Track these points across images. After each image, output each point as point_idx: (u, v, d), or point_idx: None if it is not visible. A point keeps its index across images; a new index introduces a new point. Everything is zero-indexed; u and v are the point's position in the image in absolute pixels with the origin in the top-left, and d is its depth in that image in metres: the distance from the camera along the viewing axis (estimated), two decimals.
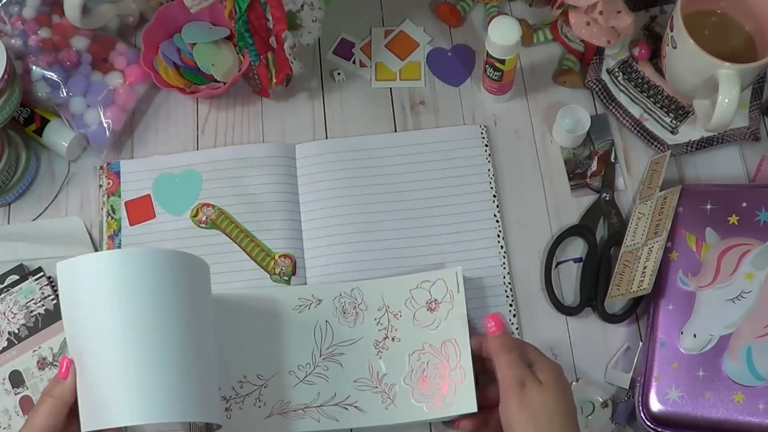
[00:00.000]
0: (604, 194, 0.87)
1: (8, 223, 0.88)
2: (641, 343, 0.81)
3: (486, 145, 0.90)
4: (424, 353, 0.77)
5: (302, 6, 0.85)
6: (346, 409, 0.76)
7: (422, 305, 0.79)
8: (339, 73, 0.94)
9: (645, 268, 0.79)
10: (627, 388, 0.80)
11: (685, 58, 0.82)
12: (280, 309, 0.80)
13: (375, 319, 0.80)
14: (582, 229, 0.86)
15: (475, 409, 0.73)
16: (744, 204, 0.80)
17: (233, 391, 0.77)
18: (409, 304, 0.80)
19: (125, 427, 0.68)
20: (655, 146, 0.89)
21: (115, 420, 0.65)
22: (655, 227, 0.81)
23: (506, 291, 0.84)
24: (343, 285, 0.81)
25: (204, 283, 0.73)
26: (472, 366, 0.75)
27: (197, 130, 0.92)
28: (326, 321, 0.80)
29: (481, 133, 0.90)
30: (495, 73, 0.87)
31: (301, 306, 0.80)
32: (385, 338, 0.79)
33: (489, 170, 0.88)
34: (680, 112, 0.89)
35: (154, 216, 0.87)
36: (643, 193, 0.86)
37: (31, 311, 0.81)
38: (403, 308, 0.80)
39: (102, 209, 0.87)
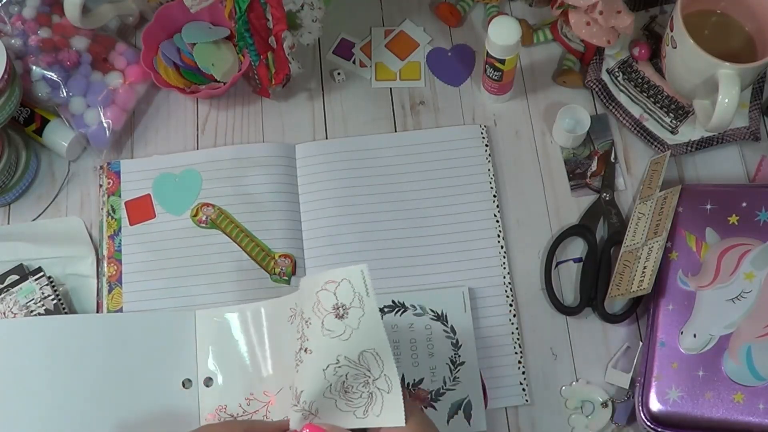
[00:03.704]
0: (604, 194, 0.87)
1: (8, 223, 0.88)
2: (641, 343, 0.81)
3: (486, 145, 0.90)
4: (340, 366, 0.65)
5: (302, 6, 0.85)
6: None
7: (329, 311, 0.66)
8: (339, 73, 0.94)
9: (645, 268, 0.79)
10: (627, 388, 0.80)
11: (685, 58, 0.82)
12: (277, 321, 0.78)
13: (295, 325, 0.69)
14: (582, 229, 0.86)
15: (402, 423, 0.64)
16: (744, 204, 0.80)
17: (240, 408, 0.77)
18: (317, 309, 0.66)
19: None
20: (655, 146, 0.89)
21: None
22: (655, 227, 0.81)
23: (506, 291, 0.84)
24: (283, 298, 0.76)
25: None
26: (397, 375, 0.65)
27: (197, 130, 0.92)
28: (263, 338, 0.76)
29: (481, 133, 0.90)
30: (495, 73, 0.87)
31: (291, 316, 0.75)
32: (300, 349, 0.67)
33: (489, 170, 0.88)
34: (680, 112, 0.89)
35: (155, 216, 0.87)
36: (643, 193, 0.86)
37: (31, 311, 0.81)
38: (312, 314, 0.67)
39: (102, 209, 0.87)
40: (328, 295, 0.66)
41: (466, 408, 0.79)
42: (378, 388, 0.66)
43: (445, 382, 0.80)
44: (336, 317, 0.66)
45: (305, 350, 0.67)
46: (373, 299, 0.66)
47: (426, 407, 0.78)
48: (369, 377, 0.66)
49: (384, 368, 0.66)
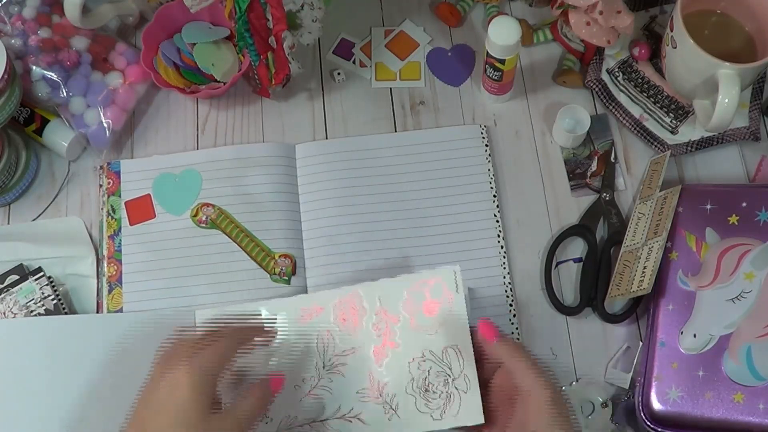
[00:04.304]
0: (604, 194, 0.87)
1: (8, 223, 0.88)
2: (641, 343, 0.81)
3: (486, 145, 0.90)
4: (425, 361, 0.73)
5: (302, 6, 0.85)
6: (350, 422, 0.73)
7: (419, 308, 0.74)
8: (339, 73, 0.94)
9: (645, 268, 0.79)
10: (627, 388, 0.80)
11: (685, 58, 0.82)
12: (283, 321, 0.78)
13: (373, 323, 0.75)
14: (582, 229, 0.86)
15: (481, 421, 0.69)
16: (744, 204, 0.80)
17: None
18: (406, 307, 0.75)
19: None
20: (655, 146, 0.89)
21: None
22: (655, 227, 0.81)
23: (506, 291, 0.84)
24: (341, 290, 0.78)
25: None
26: (476, 374, 0.71)
27: (197, 130, 0.92)
28: (327, 330, 0.76)
29: (481, 133, 0.90)
30: (495, 73, 0.87)
31: (302, 316, 0.77)
32: (384, 345, 0.74)
33: (489, 170, 0.88)
34: (680, 112, 0.89)
35: (155, 216, 0.87)
36: (643, 193, 0.86)
37: (31, 311, 0.81)
38: (401, 312, 0.75)
39: (102, 209, 0.87)
40: (420, 294, 0.74)
41: None
42: (456, 389, 0.71)
43: None
44: (426, 313, 0.74)
45: (391, 344, 0.74)
46: (462, 296, 0.73)
47: None
48: (449, 376, 0.72)
49: (464, 367, 0.71)
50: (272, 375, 0.71)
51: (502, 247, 0.85)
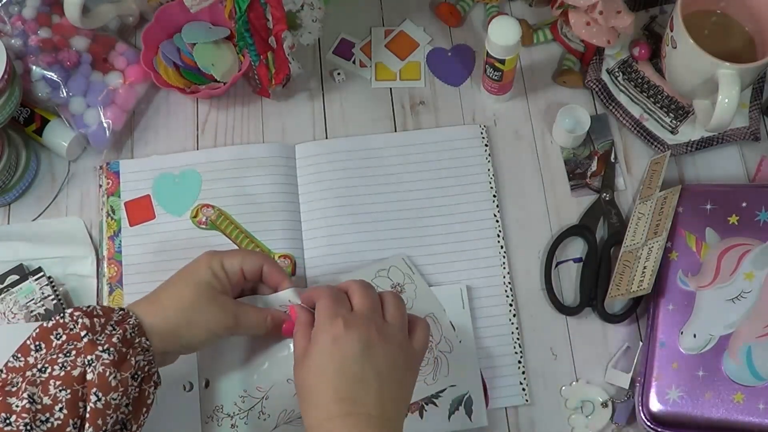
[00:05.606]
0: (604, 194, 0.87)
1: (8, 223, 0.88)
2: (641, 343, 0.81)
3: (486, 145, 0.90)
4: None
5: (302, 6, 0.85)
6: None
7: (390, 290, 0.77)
8: (339, 73, 0.94)
9: (645, 268, 0.79)
10: (627, 388, 0.80)
11: (685, 58, 0.82)
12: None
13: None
14: (582, 229, 0.86)
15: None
16: (744, 204, 0.80)
17: (236, 407, 0.76)
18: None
19: None
20: (655, 146, 0.89)
21: None
22: (655, 227, 0.81)
23: (506, 291, 0.84)
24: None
25: None
26: (455, 335, 0.75)
27: (197, 130, 0.92)
28: None
29: (481, 133, 0.90)
30: (495, 73, 0.87)
31: (286, 312, 0.76)
32: None
33: (489, 170, 0.89)
34: (680, 112, 0.89)
35: (154, 216, 0.87)
36: (643, 193, 0.86)
37: (31, 311, 0.81)
38: None
39: (102, 209, 0.87)
40: (384, 279, 0.81)
41: (467, 404, 0.78)
42: (441, 351, 0.77)
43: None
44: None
45: None
46: (419, 275, 0.81)
47: (427, 404, 0.78)
48: (431, 342, 0.76)
49: (443, 331, 0.78)
50: (288, 320, 0.73)
51: (502, 247, 0.85)
